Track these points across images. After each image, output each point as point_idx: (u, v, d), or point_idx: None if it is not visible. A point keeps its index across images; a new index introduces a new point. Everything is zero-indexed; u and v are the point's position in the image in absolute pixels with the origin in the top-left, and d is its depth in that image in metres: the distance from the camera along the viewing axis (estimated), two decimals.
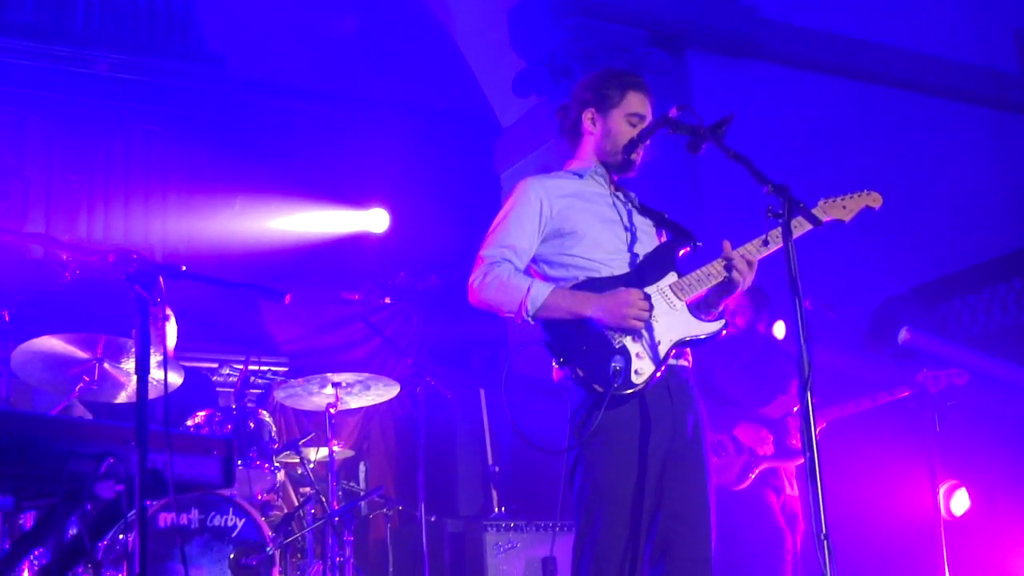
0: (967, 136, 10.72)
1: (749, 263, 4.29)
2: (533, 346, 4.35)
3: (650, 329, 4.22)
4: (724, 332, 4.35)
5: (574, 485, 4.27)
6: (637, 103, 4.52)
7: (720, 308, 4.39)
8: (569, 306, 4.24)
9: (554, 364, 4.30)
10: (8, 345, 5.99)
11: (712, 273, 4.32)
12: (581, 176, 4.54)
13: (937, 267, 9.48)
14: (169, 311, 6.60)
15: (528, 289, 4.26)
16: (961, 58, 10.83)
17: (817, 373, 3.58)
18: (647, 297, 4.23)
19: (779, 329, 7.05)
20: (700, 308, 4.36)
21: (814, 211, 4.27)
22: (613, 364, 4.14)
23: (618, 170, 4.54)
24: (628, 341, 4.19)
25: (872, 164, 9.66)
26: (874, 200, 4.60)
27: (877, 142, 10.05)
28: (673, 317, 4.29)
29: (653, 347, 4.22)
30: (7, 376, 6.17)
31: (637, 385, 4.16)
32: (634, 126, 4.49)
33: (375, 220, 9.73)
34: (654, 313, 4.23)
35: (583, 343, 4.21)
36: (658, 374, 4.20)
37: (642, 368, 4.18)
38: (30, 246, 8.23)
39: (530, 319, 4.27)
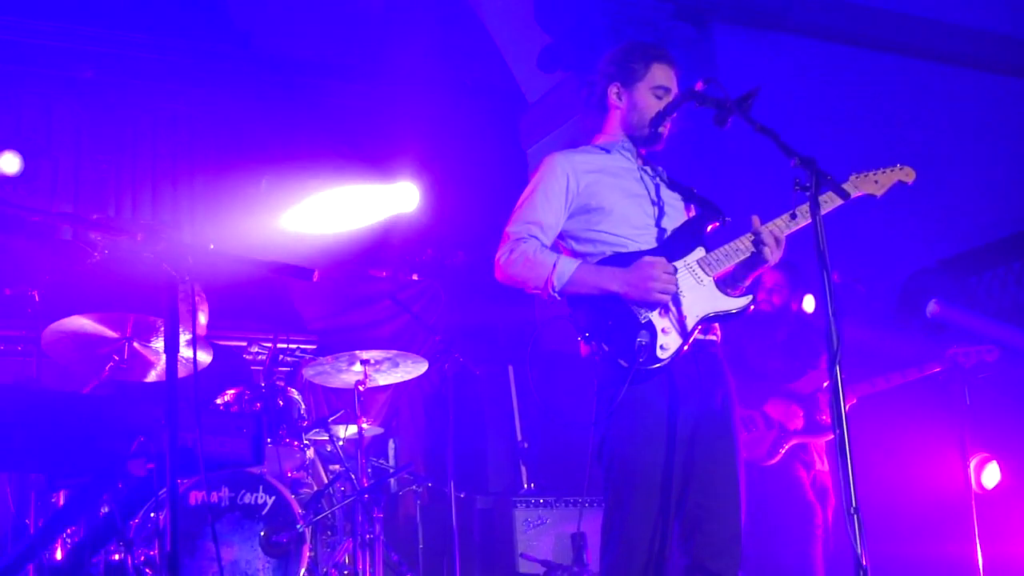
0: (996, 107, 10.62)
1: (777, 238, 4.27)
2: (559, 322, 4.35)
3: (677, 304, 4.22)
4: (752, 307, 4.34)
5: (602, 461, 4.27)
6: (662, 76, 4.51)
7: (748, 283, 4.38)
8: (595, 281, 4.23)
9: (580, 339, 4.30)
10: (38, 325, 6.03)
11: (740, 248, 4.30)
12: (608, 151, 4.53)
13: (966, 240, 9.41)
14: (201, 292, 6.62)
15: (554, 265, 4.26)
16: (989, 28, 10.72)
17: (847, 348, 3.57)
18: (673, 271, 4.22)
19: (808, 303, 7.02)
20: (728, 283, 4.34)
21: (845, 185, 4.26)
22: (638, 339, 4.14)
23: (645, 144, 4.52)
24: (654, 316, 4.19)
25: (901, 136, 9.59)
26: (907, 175, 4.57)
27: (906, 114, 9.97)
28: (700, 292, 4.28)
29: (680, 322, 4.21)
30: (38, 356, 6.21)
31: (663, 360, 4.16)
32: (660, 99, 4.47)
33: (403, 198, 9.70)
34: (681, 288, 4.22)
35: (608, 318, 4.20)
36: (685, 348, 4.20)
37: (668, 343, 4.17)
38: (59, 226, 8.27)
39: (556, 295, 4.27)
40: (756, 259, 4.29)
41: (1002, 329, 7.35)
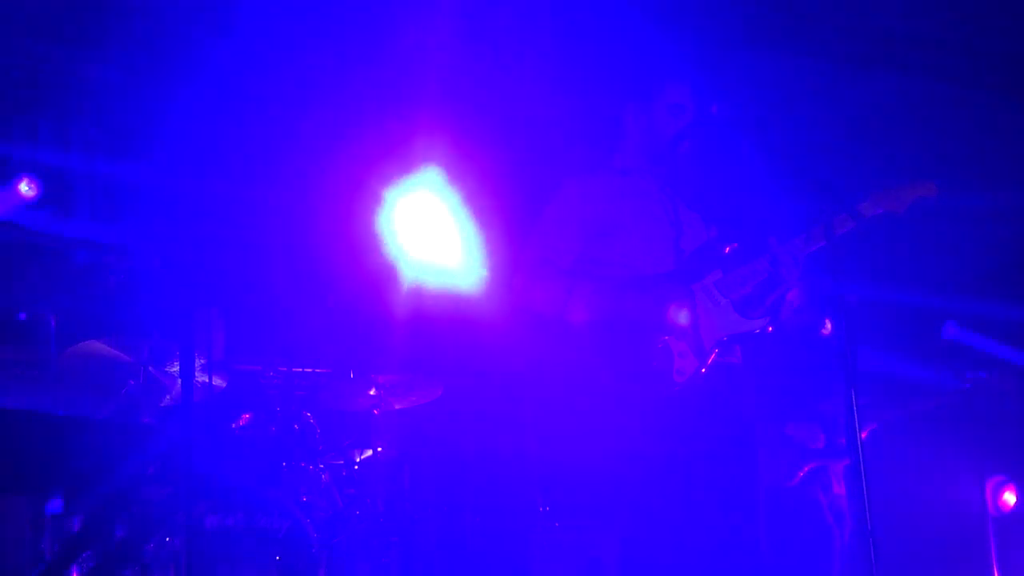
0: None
1: (795, 259, 4.26)
2: (576, 344, 4.34)
3: (694, 326, 4.20)
4: (770, 328, 4.32)
5: (619, 485, 4.26)
6: (679, 94, 4.51)
7: (767, 304, 4.37)
8: (612, 305, 4.23)
9: (597, 362, 4.28)
10: (54, 349, 6.03)
11: (758, 269, 4.29)
12: (626, 172, 4.53)
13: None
14: (218, 316, 6.62)
15: (571, 290, 4.26)
16: None
17: (868, 372, 3.56)
18: (691, 294, 4.21)
19: (827, 326, 7.00)
20: (746, 304, 4.33)
21: (865, 203, 4.26)
22: (655, 363, 4.13)
23: (664, 164, 4.52)
24: (671, 339, 4.17)
25: (918, 155, 9.55)
26: (928, 190, 4.55)
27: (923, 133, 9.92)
28: (718, 314, 4.26)
29: (697, 345, 4.20)
30: (54, 381, 6.20)
31: (680, 383, 4.14)
32: (677, 118, 4.47)
33: None
34: (698, 310, 4.21)
35: (625, 341, 4.19)
36: (702, 371, 4.18)
37: (685, 366, 4.16)
38: (75, 251, 8.29)
39: (573, 319, 4.26)
40: (774, 280, 4.28)
41: (1017, 352, 7.33)
